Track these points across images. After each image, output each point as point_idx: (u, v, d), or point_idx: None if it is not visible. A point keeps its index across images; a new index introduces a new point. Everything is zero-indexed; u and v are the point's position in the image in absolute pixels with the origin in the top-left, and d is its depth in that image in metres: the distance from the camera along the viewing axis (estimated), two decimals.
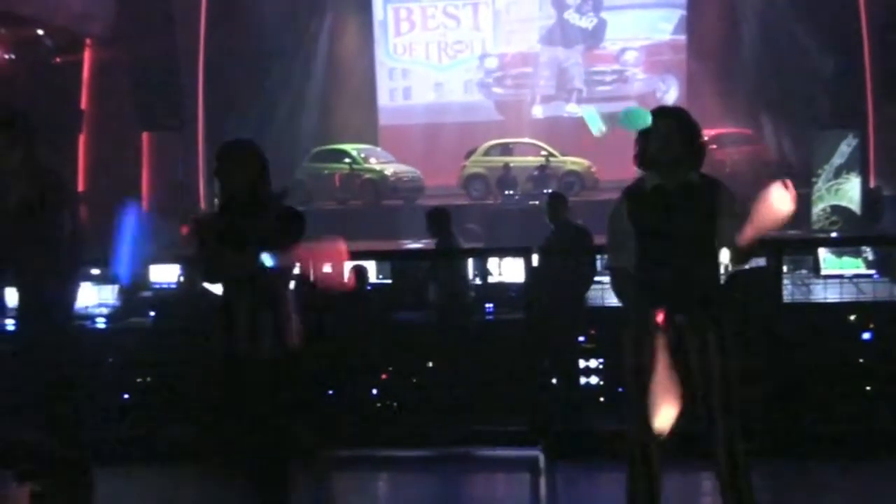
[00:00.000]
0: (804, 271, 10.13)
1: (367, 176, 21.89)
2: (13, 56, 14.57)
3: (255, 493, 4.42)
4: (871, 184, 18.74)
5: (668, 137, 4.04)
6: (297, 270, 4.76)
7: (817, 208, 18.17)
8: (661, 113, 4.20)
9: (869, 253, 9.73)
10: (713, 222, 4.05)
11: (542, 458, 5.70)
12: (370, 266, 8.94)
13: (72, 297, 5.51)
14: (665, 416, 3.87)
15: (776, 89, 20.38)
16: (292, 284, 5.95)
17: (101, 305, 8.44)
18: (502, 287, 9.30)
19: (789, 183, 3.74)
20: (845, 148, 18.10)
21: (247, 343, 4.27)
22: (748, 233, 3.85)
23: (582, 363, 6.37)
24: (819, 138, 18.59)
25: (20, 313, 5.21)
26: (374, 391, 6.48)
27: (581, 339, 6.41)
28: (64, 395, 5.25)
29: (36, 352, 5.16)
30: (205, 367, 4.58)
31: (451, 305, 8.10)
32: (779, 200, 3.71)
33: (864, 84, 19.00)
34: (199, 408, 5.90)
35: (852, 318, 6.23)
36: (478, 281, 9.86)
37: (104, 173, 16.42)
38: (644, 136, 4.10)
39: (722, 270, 4.19)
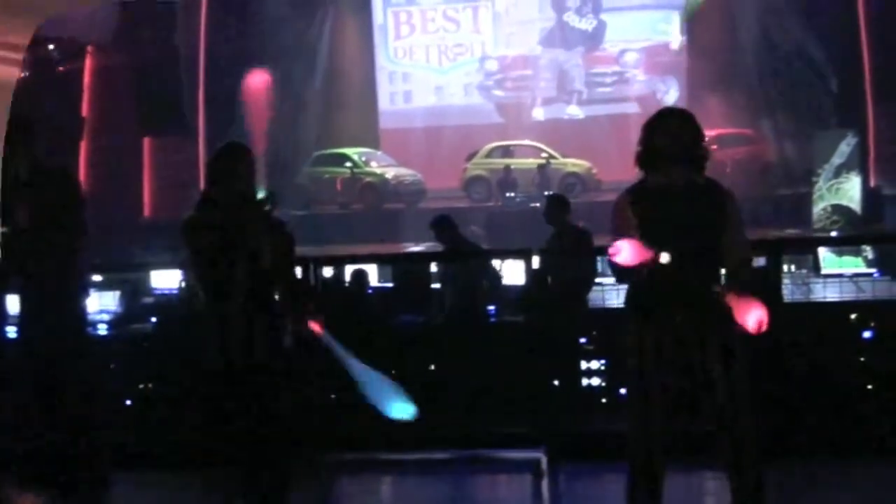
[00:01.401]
0: (804, 270, 10.13)
1: (368, 180, 21.92)
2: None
3: (255, 498, 4.43)
4: (872, 183, 18.75)
5: (676, 134, 4.06)
6: (298, 275, 4.75)
7: (818, 208, 18.18)
8: (669, 112, 4.29)
9: (869, 251, 9.74)
10: (717, 225, 4.07)
11: (544, 459, 5.71)
12: (371, 270, 8.95)
13: (83, 302, 5.53)
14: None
15: (776, 89, 20.39)
16: None
17: (102, 312, 8.45)
18: (503, 289, 9.31)
19: (764, 322, 3.87)
20: (845, 147, 18.10)
21: (242, 349, 4.27)
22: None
23: (583, 365, 6.36)
24: (819, 138, 18.62)
25: (32, 318, 5.21)
26: None
27: (582, 340, 6.40)
28: (75, 401, 5.26)
29: (49, 357, 5.17)
30: (202, 373, 4.59)
31: (466, 308, 8.11)
32: (751, 320, 3.86)
33: (864, 83, 19.03)
34: (198, 414, 5.90)
35: (853, 316, 6.22)
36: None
37: (106, 179, 16.44)
38: (648, 134, 4.11)
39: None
